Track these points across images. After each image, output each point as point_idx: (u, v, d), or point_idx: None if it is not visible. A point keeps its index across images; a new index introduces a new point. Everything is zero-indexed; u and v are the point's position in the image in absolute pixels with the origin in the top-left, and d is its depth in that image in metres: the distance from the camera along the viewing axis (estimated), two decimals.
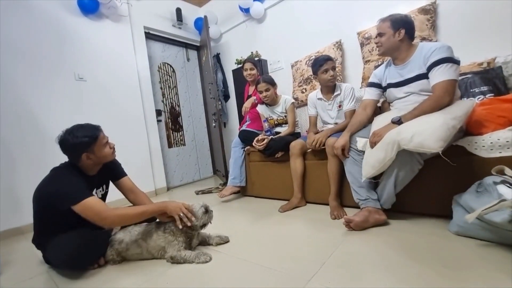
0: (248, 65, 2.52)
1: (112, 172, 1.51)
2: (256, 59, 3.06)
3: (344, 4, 2.60)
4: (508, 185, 1.09)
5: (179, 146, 3.71)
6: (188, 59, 3.93)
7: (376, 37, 1.55)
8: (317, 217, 1.69)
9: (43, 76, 2.36)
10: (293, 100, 2.25)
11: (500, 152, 1.23)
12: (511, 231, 1.00)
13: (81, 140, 1.24)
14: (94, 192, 1.38)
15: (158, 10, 3.41)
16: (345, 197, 1.75)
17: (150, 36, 3.38)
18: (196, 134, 3.94)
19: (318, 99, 2.02)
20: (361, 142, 1.53)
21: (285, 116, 2.25)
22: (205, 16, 3.13)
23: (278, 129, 2.29)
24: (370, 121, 1.64)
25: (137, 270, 1.25)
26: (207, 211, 1.38)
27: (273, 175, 2.21)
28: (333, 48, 2.57)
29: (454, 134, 1.21)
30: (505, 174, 1.14)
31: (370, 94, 1.68)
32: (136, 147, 2.94)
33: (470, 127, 1.37)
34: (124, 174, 1.55)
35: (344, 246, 1.24)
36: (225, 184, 2.85)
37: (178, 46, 3.81)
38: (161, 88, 3.55)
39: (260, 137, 2.15)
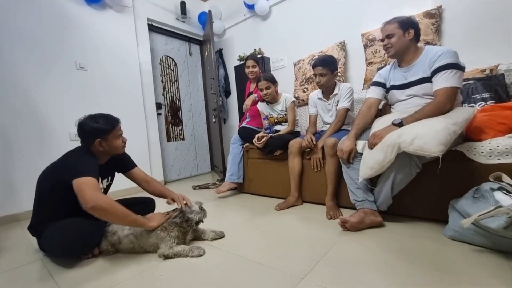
0: (250, 62, 2.50)
1: (123, 164, 1.56)
2: (259, 56, 3.05)
3: (349, 4, 2.58)
4: (505, 192, 1.10)
5: (178, 140, 3.70)
6: (190, 54, 3.92)
7: (383, 39, 1.52)
8: (313, 217, 1.69)
9: (43, 63, 2.33)
10: (294, 99, 2.24)
11: (499, 159, 1.24)
12: (506, 237, 1.00)
13: (100, 126, 1.31)
14: (100, 181, 1.38)
15: (162, 3, 3.38)
16: (342, 198, 1.75)
17: (153, 28, 3.36)
18: (195, 129, 3.93)
19: (319, 98, 2.02)
20: (360, 144, 1.53)
21: (285, 115, 2.25)
22: (210, 11, 3.11)
23: (277, 127, 2.28)
24: (372, 122, 1.63)
25: (131, 262, 1.25)
26: (201, 208, 1.39)
27: (271, 173, 2.21)
28: (336, 49, 2.56)
29: (454, 139, 1.21)
30: (503, 181, 1.14)
31: (375, 93, 1.65)
32: (134, 139, 2.92)
33: (470, 133, 1.37)
34: (135, 165, 1.60)
35: (338, 246, 1.25)
36: (222, 180, 2.84)
37: (181, 40, 3.79)
38: (162, 82, 3.53)
39: (260, 134, 2.15)
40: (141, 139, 3.03)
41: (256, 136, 2.15)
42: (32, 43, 2.28)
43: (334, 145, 1.67)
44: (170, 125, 3.62)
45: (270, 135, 2.15)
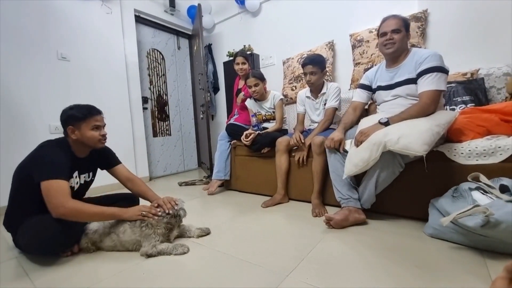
0: (240, 59, 2.48)
1: (105, 160, 1.51)
2: (248, 53, 3.02)
3: (338, 5, 2.61)
4: (482, 191, 1.14)
5: (164, 135, 3.63)
6: (179, 47, 3.84)
7: (385, 33, 1.47)
8: (299, 214, 1.70)
9: (22, 53, 2.22)
10: (282, 97, 2.24)
11: (477, 160, 1.28)
12: (483, 235, 1.04)
13: (73, 113, 1.28)
14: (76, 175, 1.34)
15: None
16: (327, 196, 1.78)
17: (140, 20, 3.26)
18: (182, 124, 3.87)
19: (307, 97, 2.03)
20: (346, 142, 1.55)
21: (273, 112, 2.24)
22: (199, 4, 3.05)
23: (265, 124, 2.28)
24: (357, 122, 1.66)
25: (112, 260, 1.21)
26: (182, 208, 1.36)
27: (258, 171, 2.21)
28: (325, 48, 2.58)
29: (437, 140, 1.25)
30: (480, 181, 1.18)
31: (361, 96, 1.70)
32: (119, 134, 2.84)
33: (451, 134, 1.42)
34: (119, 162, 1.54)
35: (323, 244, 1.26)
36: (209, 177, 2.82)
37: (169, 33, 3.71)
38: (149, 75, 3.44)
39: (247, 132, 2.14)
40: (125, 133, 2.94)
41: (244, 133, 2.14)
42: (11, 32, 2.16)
43: (322, 144, 1.68)
44: (157, 120, 3.54)
45: (257, 132, 2.14)
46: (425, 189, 1.40)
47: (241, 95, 2.48)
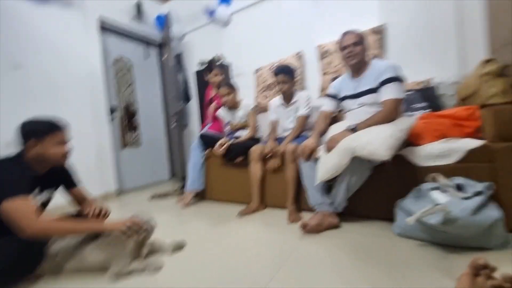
0: (217, 71, 2.47)
1: (66, 179, 1.40)
2: (219, 62, 3.03)
3: (306, 18, 2.73)
4: (440, 191, 1.24)
5: (133, 146, 3.47)
6: (148, 56, 3.73)
7: (346, 46, 1.56)
8: (275, 222, 1.71)
9: None
10: (254, 105, 2.27)
11: (435, 161, 1.39)
12: (444, 231, 1.13)
13: (37, 127, 1.19)
14: (35, 194, 1.22)
15: (116, 2, 3.19)
16: (302, 201, 1.81)
17: (106, 27, 3.13)
18: (153, 134, 3.73)
19: (279, 105, 2.07)
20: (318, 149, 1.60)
21: (246, 121, 2.26)
22: (168, 13, 3.02)
23: (239, 133, 2.28)
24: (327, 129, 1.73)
25: (77, 283, 1.12)
26: (150, 226, 1.29)
27: (233, 180, 2.19)
28: (294, 58, 2.68)
29: (400, 144, 1.34)
30: (438, 181, 1.28)
31: (329, 105, 1.77)
32: (84, 146, 2.66)
33: (411, 139, 1.53)
34: (78, 184, 1.45)
35: (299, 250, 1.28)
36: (183, 188, 2.74)
37: (137, 41, 3.60)
38: (116, 84, 3.30)
39: (221, 141, 2.13)
40: (91, 145, 2.77)
41: (218, 143, 2.12)
42: None
43: (295, 151, 1.72)
44: (125, 131, 3.39)
45: (231, 141, 2.14)
46: (392, 190, 1.49)
47: (214, 104, 2.47)
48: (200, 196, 2.41)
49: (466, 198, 1.14)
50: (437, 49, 2.13)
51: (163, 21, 3.40)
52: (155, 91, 3.83)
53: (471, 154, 1.32)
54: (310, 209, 1.65)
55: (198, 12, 3.44)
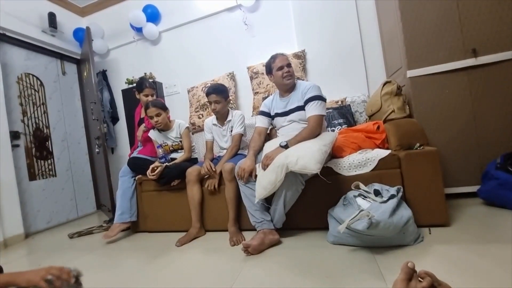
0: (148, 91, 2.30)
1: None
2: (150, 80, 2.87)
3: (236, 40, 2.85)
4: (363, 197, 1.39)
5: (46, 177, 2.94)
6: (63, 73, 3.30)
7: (282, 67, 1.67)
8: (217, 246, 1.64)
9: None
10: (187, 125, 2.20)
11: (355, 171, 1.56)
12: (370, 235, 1.24)
13: None
14: None
15: (21, 10, 2.76)
16: (243, 221, 1.79)
17: (6, 39, 2.66)
18: (73, 162, 3.24)
19: (214, 124, 2.06)
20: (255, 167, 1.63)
21: (180, 141, 2.16)
22: (88, 27, 2.75)
23: (174, 155, 2.16)
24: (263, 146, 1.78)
25: None
26: (77, 279, 1.06)
27: (169, 206, 2.04)
28: (226, 78, 2.73)
29: (326, 157, 1.47)
30: (360, 189, 1.44)
31: (262, 122, 1.84)
32: None
33: (334, 151, 1.70)
34: None
35: (244, 274, 1.24)
36: (111, 221, 2.41)
37: (49, 56, 3.15)
38: (21, 105, 2.79)
39: (153, 165, 1.97)
40: None
41: (150, 167, 1.96)
42: None
43: (232, 170, 1.71)
44: (35, 159, 2.86)
45: (165, 164, 2.00)
46: (323, 201, 1.59)
47: (142, 126, 2.30)
48: (133, 228, 2.16)
49: (384, 202, 1.29)
50: (348, 71, 2.47)
51: (82, 36, 3.08)
52: (75, 112, 3.38)
53: (382, 162, 1.52)
54: (252, 228, 1.64)
55: (124, 29, 3.24)
